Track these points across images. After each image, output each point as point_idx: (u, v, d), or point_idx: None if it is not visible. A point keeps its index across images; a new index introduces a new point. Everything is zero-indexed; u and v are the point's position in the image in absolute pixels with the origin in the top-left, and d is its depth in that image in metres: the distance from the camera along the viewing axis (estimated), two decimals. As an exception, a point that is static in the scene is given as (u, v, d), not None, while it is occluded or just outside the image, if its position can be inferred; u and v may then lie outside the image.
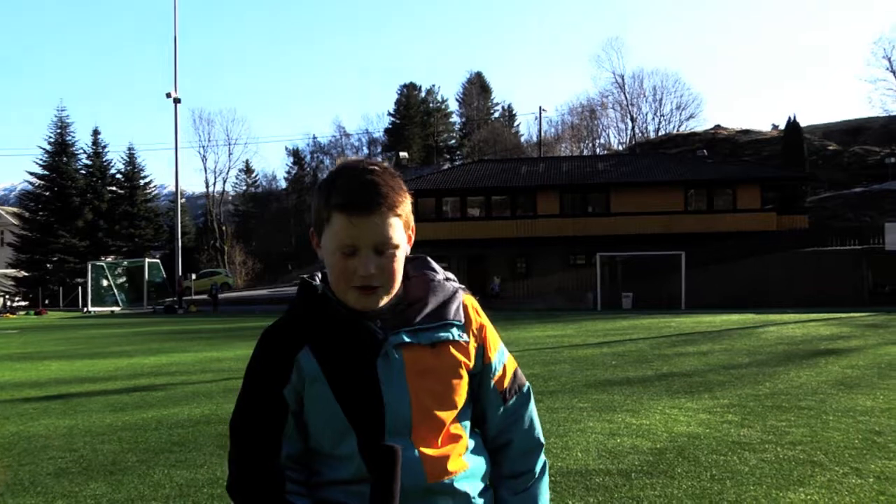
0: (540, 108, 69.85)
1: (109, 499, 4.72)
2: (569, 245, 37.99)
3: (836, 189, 45.94)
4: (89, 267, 44.26)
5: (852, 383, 8.65)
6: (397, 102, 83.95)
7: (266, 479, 1.40)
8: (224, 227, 70.35)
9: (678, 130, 72.16)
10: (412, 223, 1.48)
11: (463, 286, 1.56)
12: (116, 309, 42.37)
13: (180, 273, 42.60)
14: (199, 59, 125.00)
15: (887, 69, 73.84)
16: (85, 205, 55.38)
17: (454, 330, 1.45)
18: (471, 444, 1.48)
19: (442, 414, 1.42)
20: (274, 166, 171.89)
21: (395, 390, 1.38)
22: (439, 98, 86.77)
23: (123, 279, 48.37)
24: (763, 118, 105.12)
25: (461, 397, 1.46)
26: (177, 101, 44.17)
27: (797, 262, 30.52)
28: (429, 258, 1.58)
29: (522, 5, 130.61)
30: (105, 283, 46.43)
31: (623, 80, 76.43)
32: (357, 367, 1.39)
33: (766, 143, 56.02)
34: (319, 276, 1.53)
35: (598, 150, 73.52)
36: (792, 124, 44.75)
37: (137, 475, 5.25)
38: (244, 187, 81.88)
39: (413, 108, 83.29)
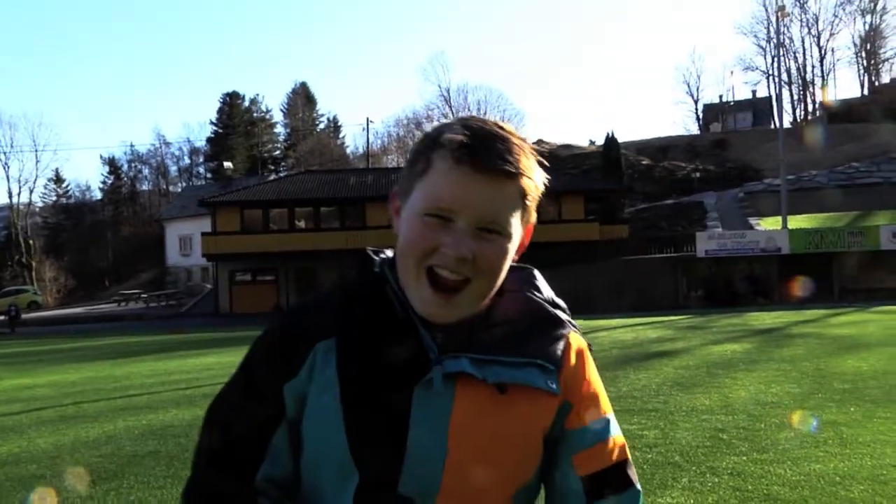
0: (367, 119, 70.05)
1: None
2: (402, 256, 38.05)
3: (650, 201, 49.25)
4: None
5: (688, 383, 9.06)
6: (220, 111, 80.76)
7: (229, 499, 1.01)
8: (31, 241, 64.53)
9: (504, 144, 74.58)
10: (533, 221, 1.07)
11: (575, 323, 1.12)
12: None
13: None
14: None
15: (686, 93, 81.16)
16: None
17: (540, 374, 1.01)
18: None
19: (489, 488, 0.98)
20: (88, 176, 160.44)
21: (426, 436, 0.96)
22: (263, 108, 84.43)
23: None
24: (581, 134, 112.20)
25: (525, 472, 1.01)
26: (-26, 102, 39.98)
27: (620, 269, 32.32)
28: (537, 272, 1.16)
29: (348, 16, 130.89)
30: None
31: (449, 93, 78.23)
32: (386, 387, 0.98)
33: (586, 157, 59.11)
34: (389, 253, 1.12)
35: (427, 163, 74.52)
36: (610, 140, 47.47)
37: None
38: (54, 198, 75.58)
39: (236, 117, 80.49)
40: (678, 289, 31.71)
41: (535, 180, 1.02)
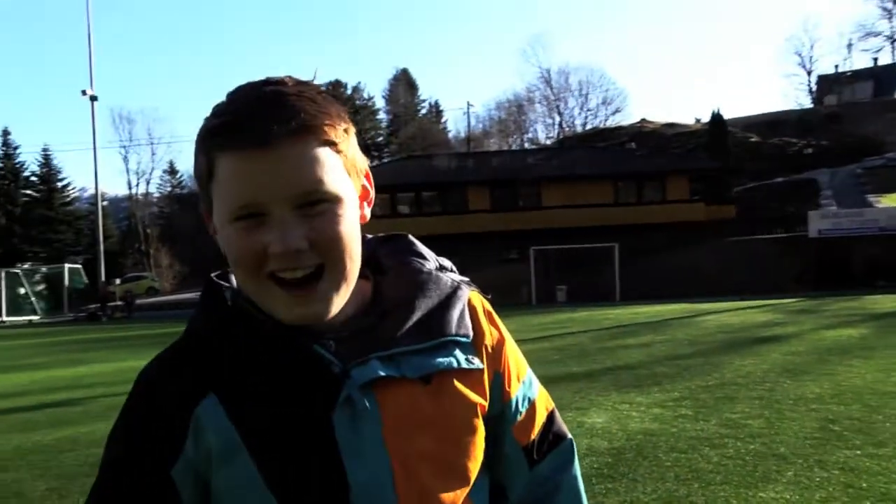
0: (468, 103, 70.05)
1: (11, 536, 4.16)
2: (500, 240, 37.90)
3: (759, 179, 47.17)
4: (3, 275, 42.03)
5: (797, 370, 8.59)
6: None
7: None
8: (149, 230, 68.08)
9: (605, 125, 73.12)
10: (363, 168, 0.90)
11: (466, 279, 1.00)
12: (35, 318, 40.39)
13: (103, 278, 40.88)
14: (116, 54, 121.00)
15: (798, 64, 77.03)
16: (-3, 209, 52.79)
17: (458, 352, 0.89)
18: None
19: (449, 496, 0.86)
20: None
21: (366, 463, 0.82)
22: (365, 95, 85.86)
23: (42, 286, 46.15)
24: (687, 112, 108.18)
25: (476, 463, 0.90)
26: (93, 98, 42.29)
27: (726, 250, 31.14)
28: (412, 237, 1.02)
29: (447, 1, 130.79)
30: (22, 290, 44.21)
31: (549, 74, 77.13)
32: (300, 426, 0.82)
33: (691, 135, 57.18)
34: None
35: (526, 145, 74.05)
36: (716, 117, 45.68)
37: (46, 506, 4.68)
38: (169, 188, 79.34)
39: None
40: (788, 271, 30.26)
41: (334, 123, 0.83)
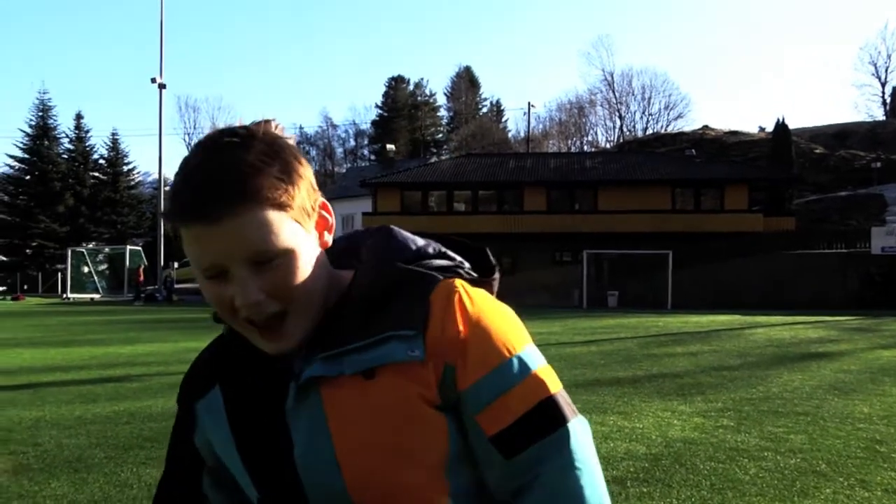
0: (529, 103, 69.64)
1: (71, 499, 4.42)
2: (555, 242, 37.74)
3: (822, 192, 46.02)
4: (69, 253, 43.57)
5: (847, 388, 8.46)
6: (385, 95, 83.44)
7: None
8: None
9: (666, 130, 72.09)
10: (316, 202, 0.96)
11: (460, 264, 1.05)
12: (96, 296, 41.75)
13: (162, 262, 42.05)
14: (185, 44, 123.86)
15: (873, 75, 74.63)
16: (66, 190, 54.66)
17: (397, 345, 0.92)
18: None
19: (402, 478, 0.92)
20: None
21: (313, 453, 0.93)
22: (427, 92, 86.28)
23: (104, 266, 47.69)
24: (750, 120, 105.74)
25: (438, 451, 0.93)
26: (162, 86, 43.48)
27: (784, 263, 30.48)
28: (395, 228, 1.06)
29: (512, 0, 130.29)
30: (85, 269, 45.75)
31: (612, 77, 76.47)
32: (261, 418, 0.98)
33: (754, 144, 56.03)
34: None
35: (585, 148, 73.47)
36: (780, 126, 44.66)
37: (104, 473, 4.93)
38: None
39: (401, 101, 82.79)
40: (848, 287, 29.47)
41: (274, 185, 0.88)
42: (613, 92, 76.43)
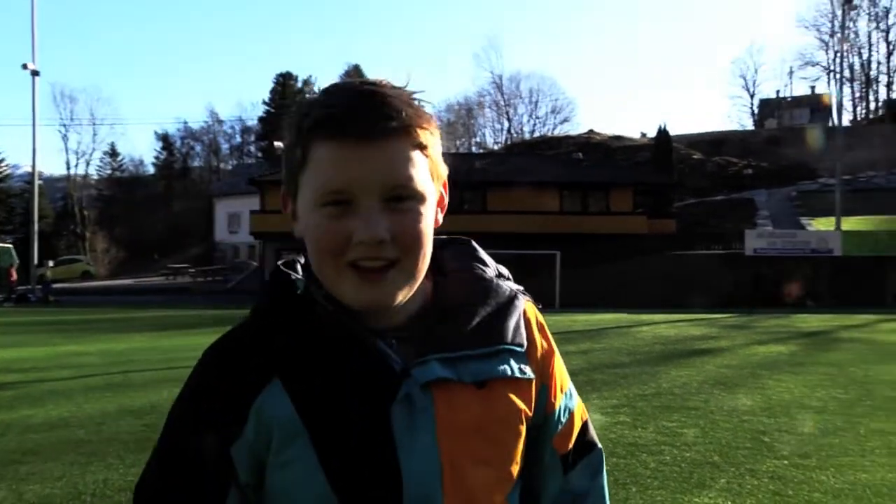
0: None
1: (-56, 520, 4.07)
2: (446, 242, 37.99)
3: (700, 196, 48.43)
4: (-72, 250, 40.38)
5: (730, 383, 8.90)
6: (272, 91, 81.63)
7: None
8: (86, 212, 66.23)
9: (553, 133, 74.03)
10: (444, 174, 0.95)
11: (521, 287, 1.03)
12: (-40, 297, 38.85)
13: (36, 261, 39.57)
14: (60, 29, 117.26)
15: (743, 87, 79.40)
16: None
17: (512, 361, 0.93)
18: None
19: (489, 490, 0.91)
20: (141, 151, 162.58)
21: (419, 458, 0.86)
22: (316, 89, 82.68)
23: (-31, 265, 44.46)
24: (633, 126, 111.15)
25: (517, 468, 0.95)
26: (35, 73, 40.92)
27: (666, 264, 31.89)
28: (475, 244, 1.06)
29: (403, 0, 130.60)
30: (-53, 268, 42.50)
31: (501, 80, 77.79)
32: (360, 417, 0.86)
33: (637, 149, 58.33)
34: (303, 261, 0.98)
35: (474, 149, 74.42)
36: (662, 132, 46.77)
37: (-20, 490, 4.57)
38: (109, 171, 77.25)
39: (289, 97, 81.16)
40: (724, 286, 31.15)
41: (428, 128, 0.89)
42: (502, 94, 77.88)
